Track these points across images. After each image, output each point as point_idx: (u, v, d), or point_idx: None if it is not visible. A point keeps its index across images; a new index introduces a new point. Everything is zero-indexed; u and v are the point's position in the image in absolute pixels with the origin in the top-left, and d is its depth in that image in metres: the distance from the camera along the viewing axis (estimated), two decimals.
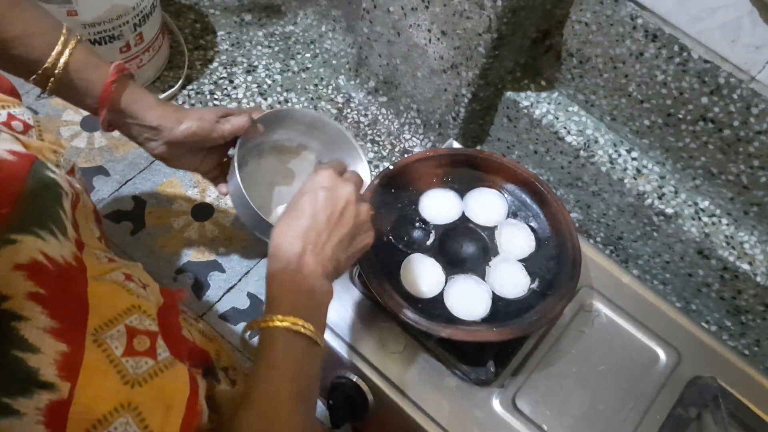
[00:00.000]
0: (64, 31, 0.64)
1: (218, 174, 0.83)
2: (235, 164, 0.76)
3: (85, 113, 1.12)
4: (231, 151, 0.79)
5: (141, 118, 0.70)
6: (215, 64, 1.22)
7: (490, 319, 0.75)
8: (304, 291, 0.55)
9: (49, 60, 0.63)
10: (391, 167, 0.81)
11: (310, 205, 0.60)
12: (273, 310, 0.54)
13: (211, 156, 0.80)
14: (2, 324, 0.33)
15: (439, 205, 0.83)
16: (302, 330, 0.53)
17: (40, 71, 0.63)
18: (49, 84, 0.64)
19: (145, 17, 1.05)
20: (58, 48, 0.63)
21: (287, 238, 0.58)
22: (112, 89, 0.67)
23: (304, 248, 0.57)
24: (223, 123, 0.75)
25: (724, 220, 0.89)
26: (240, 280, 0.99)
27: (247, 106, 1.17)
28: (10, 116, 0.44)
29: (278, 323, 0.52)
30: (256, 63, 1.23)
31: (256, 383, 0.50)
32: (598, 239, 1.03)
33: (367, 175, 0.84)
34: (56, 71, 0.63)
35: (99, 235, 0.62)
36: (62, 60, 0.62)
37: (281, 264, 0.56)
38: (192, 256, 1.00)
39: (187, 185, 1.07)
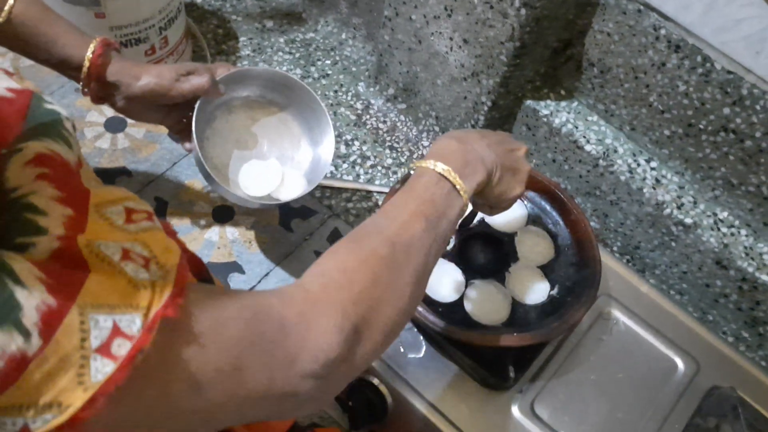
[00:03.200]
0: None
1: (183, 128, 0.83)
2: (194, 123, 0.77)
3: (110, 114, 1.14)
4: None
5: (103, 75, 0.73)
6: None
7: (510, 325, 0.76)
8: (460, 158, 0.58)
9: (2, 15, 0.66)
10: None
11: (487, 132, 0.63)
12: (428, 157, 0.57)
13: (176, 111, 0.81)
14: (12, 202, 0.34)
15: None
16: (451, 177, 0.55)
17: None
18: (3, 37, 0.67)
19: (170, 21, 1.07)
20: (10, 2, 0.66)
21: (458, 132, 0.61)
22: (99, 62, 0.71)
23: (473, 137, 0.60)
24: (183, 82, 0.76)
25: (743, 231, 0.89)
26: (260, 281, 1.00)
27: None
28: None
29: (429, 165, 0.56)
30: (277, 69, 1.25)
31: (386, 204, 0.54)
32: (615, 248, 1.03)
33: (331, 140, 0.87)
34: (7, 25, 0.66)
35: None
36: (9, 11, 0.66)
37: (448, 135, 0.60)
38: (212, 257, 1.01)
39: (209, 188, 1.08)
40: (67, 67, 0.72)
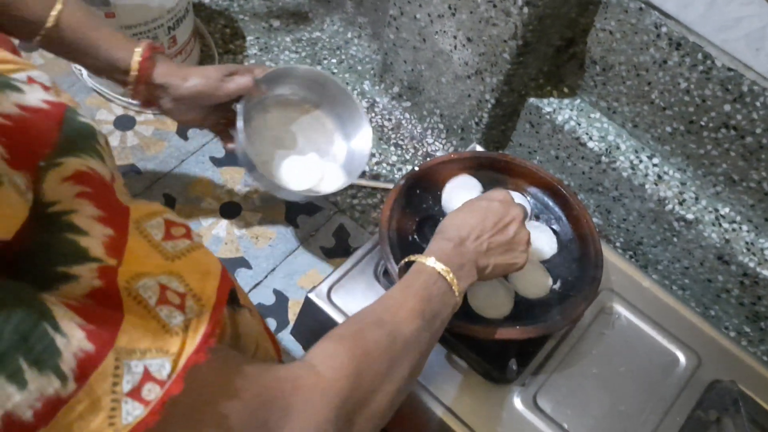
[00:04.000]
0: None
1: (223, 129, 0.86)
2: (240, 123, 0.79)
3: (119, 113, 1.15)
4: (236, 107, 0.81)
5: (150, 78, 0.74)
6: (250, 65, 1.25)
7: (513, 319, 0.77)
8: (457, 261, 0.62)
9: (49, 22, 0.67)
10: (417, 169, 0.83)
11: (484, 209, 0.67)
12: (428, 255, 0.62)
13: (216, 111, 0.83)
14: (54, 219, 0.36)
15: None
16: (448, 278, 0.60)
17: (41, 32, 0.67)
18: (50, 43, 0.68)
19: (178, 21, 1.09)
20: (54, 12, 0.67)
21: (456, 222, 0.66)
22: (147, 66, 0.72)
23: (468, 235, 0.65)
24: (228, 82, 0.78)
25: (745, 227, 0.90)
26: (266, 277, 1.01)
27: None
28: (30, 79, 0.47)
29: (429, 263, 0.60)
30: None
31: (384, 295, 0.58)
32: (618, 244, 1.04)
33: (368, 137, 0.89)
34: (54, 31, 0.67)
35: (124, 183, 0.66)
36: (55, 18, 0.67)
37: (446, 237, 0.64)
38: (220, 252, 1.02)
39: (216, 184, 1.10)
40: (113, 71, 0.73)
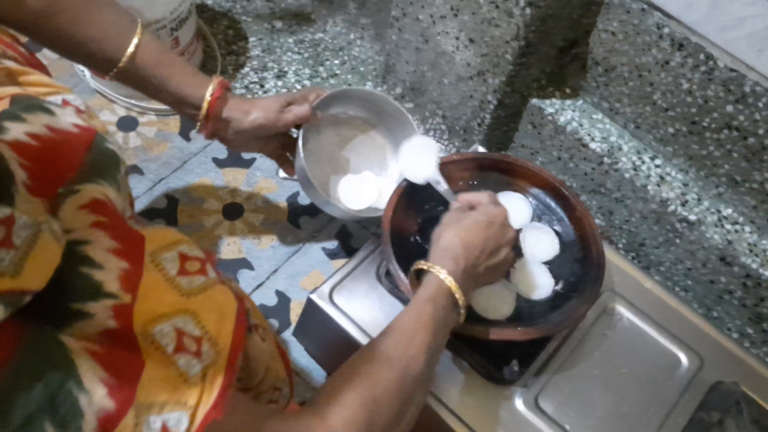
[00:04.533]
0: (138, 31, 0.69)
1: (282, 154, 0.89)
2: (300, 151, 0.80)
3: (122, 114, 1.16)
4: (293, 132, 0.84)
5: (219, 114, 0.77)
6: (247, 69, 1.25)
7: (515, 319, 0.77)
8: (462, 281, 0.65)
9: (124, 59, 0.69)
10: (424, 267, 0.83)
11: (486, 229, 0.68)
12: (441, 267, 0.64)
13: (274, 139, 0.86)
14: (69, 249, 0.36)
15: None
16: (458, 295, 0.63)
17: (115, 69, 0.69)
18: (125, 78, 0.71)
19: (181, 22, 1.09)
20: (130, 49, 0.69)
21: (463, 240, 0.66)
22: (217, 104, 0.75)
23: (475, 259, 0.66)
24: (286, 113, 0.80)
25: (748, 228, 0.89)
26: (268, 278, 1.02)
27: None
28: (65, 102, 0.47)
29: (442, 275, 0.63)
30: (286, 69, 1.27)
31: (396, 325, 0.59)
32: (621, 245, 1.04)
33: (433, 145, 0.87)
34: (129, 68, 0.70)
35: (130, 215, 0.66)
36: (131, 56, 0.69)
37: (453, 256, 0.65)
38: (222, 253, 1.03)
39: (219, 185, 1.10)
40: (184, 106, 0.75)
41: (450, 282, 0.62)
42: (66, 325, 0.34)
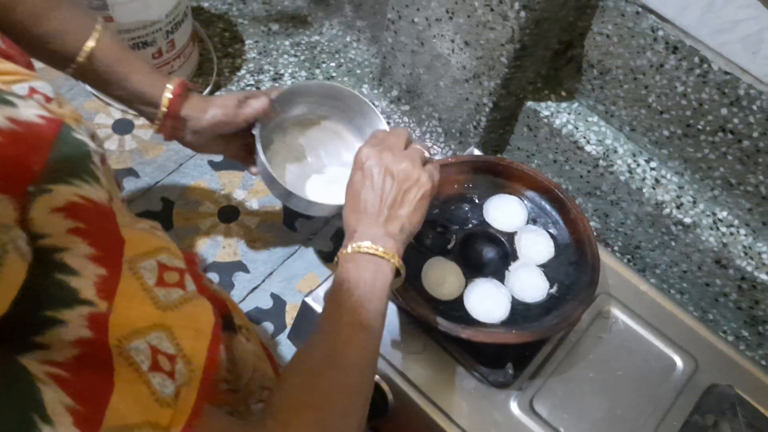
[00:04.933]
0: (97, 27, 0.69)
1: (245, 155, 0.86)
2: (259, 145, 0.79)
3: (118, 116, 1.16)
4: (254, 131, 0.82)
5: (177, 114, 0.75)
6: (243, 72, 1.25)
7: (510, 322, 0.77)
8: (371, 234, 0.63)
9: (82, 55, 0.68)
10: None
11: (359, 180, 0.67)
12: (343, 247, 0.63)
13: (235, 139, 0.83)
14: (44, 256, 0.35)
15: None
16: (371, 249, 0.61)
17: (74, 64, 0.69)
18: (82, 75, 0.70)
19: (177, 25, 1.09)
20: (90, 44, 0.68)
21: (350, 214, 0.66)
22: (177, 102, 0.73)
23: (362, 217, 0.65)
24: (245, 108, 0.78)
25: (742, 231, 0.89)
26: (264, 280, 1.01)
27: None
28: (32, 89, 0.46)
29: (347, 250, 0.62)
30: (282, 71, 1.27)
31: (320, 321, 0.58)
32: (616, 248, 1.04)
33: (385, 128, 0.88)
34: (86, 64, 0.69)
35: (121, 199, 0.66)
36: (89, 52, 0.68)
37: (348, 229, 0.65)
38: (218, 256, 1.03)
39: (215, 188, 1.10)
40: (141, 102, 0.74)
41: (357, 246, 0.61)
42: (38, 333, 0.33)
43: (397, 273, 0.62)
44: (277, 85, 1.24)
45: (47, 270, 0.35)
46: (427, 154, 0.70)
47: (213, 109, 0.76)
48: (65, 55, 0.68)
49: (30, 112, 0.39)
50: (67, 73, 0.70)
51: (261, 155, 0.79)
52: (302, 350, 0.57)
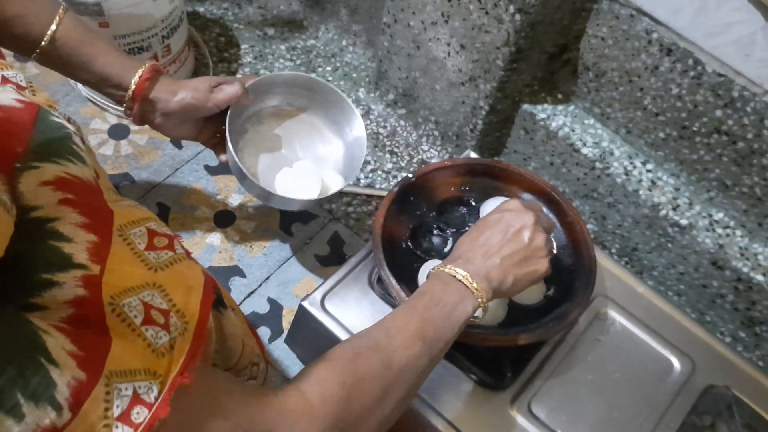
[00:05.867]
0: (60, 11, 0.68)
1: (217, 142, 0.85)
2: (227, 134, 0.78)
3: (113, 122, 1.16)
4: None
5: (145, 97, 0.75)
6: (238, 76, 1.25)
7: (507, 325, 0.77)
8: (471, 270, 0.62)
9: (45, 39, 0.67)
10: (411, 175, 0.84)
11: (492, 223, 0.67)
12: (446, 262, 0.63)
13: (209, 125, 0.83)
14: (38, 226, 0.37)
15: None
16: (465, 280, 0.60)
17: (38, 49, 0.68)
18: (47, 59, 0.69)
19: (172, 30, 1.09)
20: (53, 27, 0.67)
21: (465, 245, 0.65)
22: (145, 86, 0.72)
23: (477, 252, 0.64)
24: (217, 92, 0.77)
25: (738, 232, 0.90)
26: (260, 285, 1.01)
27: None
28: (4, 79, 0.47)
29: (446, 269, 0.61)
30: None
31: (387, 316, 0.58)
32: (614, 250, 1.04)
33: (361, 127, 0.89)
34: (50, 48, 0.68)
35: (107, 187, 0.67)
36: (52, 35, 0.68)
37: (453, 258, 0.64)
38: (214, 261, 1.02)
39: (211, 192, 1.10)
40: (108, 85, 0.73)
41: (454, 271, 0.60)
42: (35, 295, 0.35)
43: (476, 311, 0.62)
44: None
45: (41, 237, 0.36)
46: (554, 251, 0.71)
47: (183, 92, 0.75)
48: (30, 39, 0.68)
49: (7, 96, 0.40)
50: (34, 60, 0.70)
51: (228, 142, 0.78)
52: (356, 335, 0.56)
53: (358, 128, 0.90)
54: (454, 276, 0.60)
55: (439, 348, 0.58)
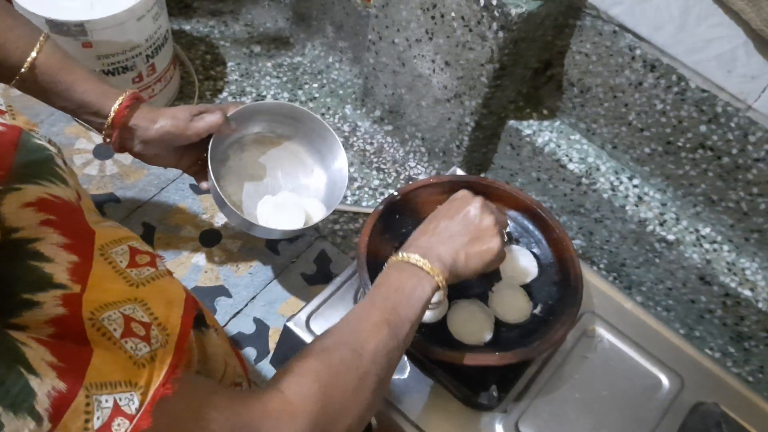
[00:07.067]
0: (41, 38, 0.68)
1: (199, 169, 0.85)
2: (209, 163, 0.78)
3: (98, 141, 1.15)
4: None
5: (124, 124, 0.74)
6: (225, 94, 1.25)
7: (493, 344, 0.76)
8: (422, 250, 0.64)
9: (25, 65, 0.67)
10: (396, 193, 0.83)
11: (442, 210, 0.70)
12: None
13: (190, 152, 0.82)
14: (19, 247, 0.37)
15: None
16: (417, 261, 0.61)
17: (18, 76, 0.67)
18: (26, 87, 0.69)
19: (157, 49, 1.08)
20: (33, 54, 0.67)
21: (418, 230, 0.68)
22: (125, 113, 0.72)
23: (426, 234, 0.67)
24: (197, 121, 0.77)
25: (726, 247, 0.89)
26: (246, 305, 1.00)
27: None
28: None
29: (398, 255, 0.63)
30: (264, 93, 1.26)
31: (349, 312, 0.59)
32: (602, 266, 1.04)
33: (344, 158, 0.89)
34: (30, 75, 0.68)
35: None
36: (32, 62, 0.67)
37: (407, 243, 0.67)
38: (199, 281, 1.01)
39: (196, 211, 1.09)
40: (88, 113, 0.73)
41: (407, 256, 0.62)
42: (15, 315, 0.35)
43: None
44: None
45: (22, 258, 0.37)
46: (507, 230, 0.72)
47: (162, 120, 0.75)
48: (9, 65, 0.67)
49: None
50: (13, 86, 0.69)
51: (210, 172, 0.78)
52: (322, 334, 0.57)
53: (341, 159, 0.90)
54: (408, 261, 0.62)
55: (405, 331, 0.59)
